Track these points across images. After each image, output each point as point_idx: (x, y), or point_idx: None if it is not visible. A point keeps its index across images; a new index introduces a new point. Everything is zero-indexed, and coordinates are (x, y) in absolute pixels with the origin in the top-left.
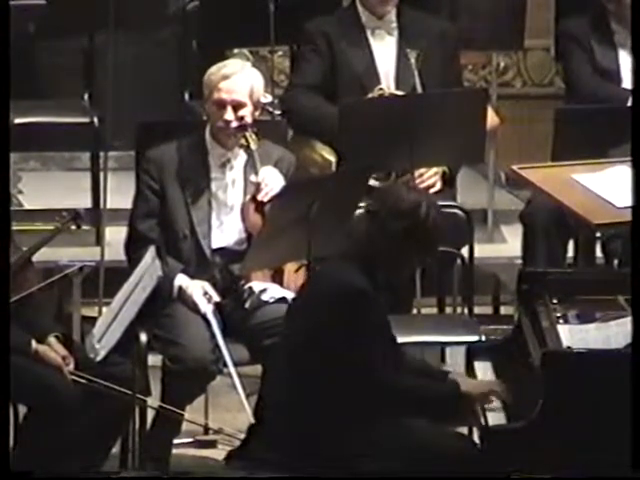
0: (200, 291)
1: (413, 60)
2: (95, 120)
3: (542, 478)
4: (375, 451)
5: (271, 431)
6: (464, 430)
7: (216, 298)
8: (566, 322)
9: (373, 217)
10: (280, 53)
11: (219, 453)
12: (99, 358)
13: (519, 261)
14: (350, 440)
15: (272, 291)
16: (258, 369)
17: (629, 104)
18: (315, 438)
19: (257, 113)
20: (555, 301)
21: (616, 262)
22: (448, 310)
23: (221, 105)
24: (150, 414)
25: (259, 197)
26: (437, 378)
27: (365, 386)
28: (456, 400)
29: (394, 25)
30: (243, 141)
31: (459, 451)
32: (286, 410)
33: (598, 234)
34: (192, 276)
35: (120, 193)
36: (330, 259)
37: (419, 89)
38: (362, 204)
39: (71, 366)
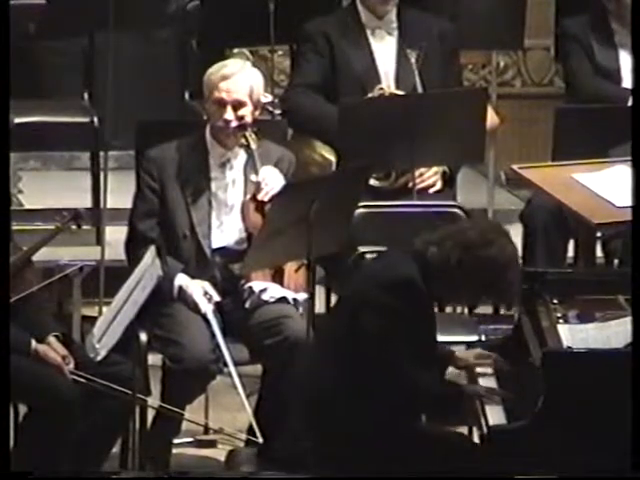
0: (200, 291)
1: (413, 60)
2: (95, 120)
3: (542, 478)
4: (374, 451)
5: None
6: (464, 430)
7: (216, 298)
8: (566, 322)
9: (462, 247)
10: (280, 53)
11: (219, 453)
12: (99, 358)
13: (519, 261)
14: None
15: (272, 291)
16: (258, 369)
17: (629, 104)
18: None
19: (257, 113)
20: (555, 301)
21: (616, 262)
22: (448, 309)
23: (221, 105)
24: (150, 414)
25: (259, 197)
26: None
27: (394, 383)
28: (460, 402)
29: (394, 25)
30: (243, 141)
31: (459, 451)
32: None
33: (598, 234)
34: (192, 276)
35: (120, 193)
36: (398, 251)
37: (419, 89)
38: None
39: (71, 366)
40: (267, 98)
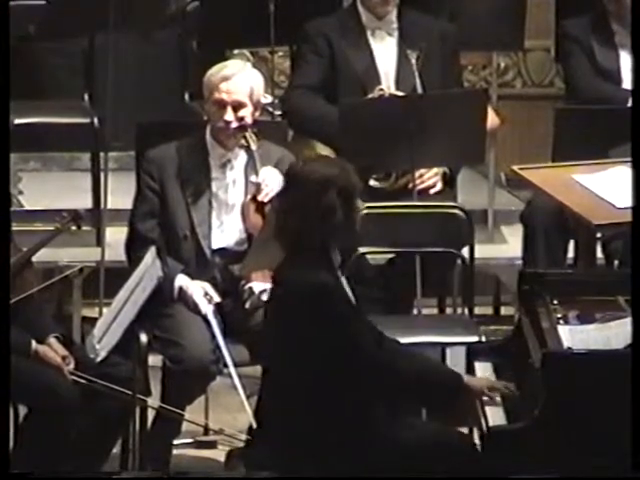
0: (200, 292)
1: (413, 61)
2: (95, 120)
3: (542, 478)
4: (374, 451)
5: (270, 435)
6: (464, 430)
7: (216, 299)
8: (566, 323)
9: (301, 205)
10: (280, 54)
11: (219, 454)
12: (99, 358)
13: (519, 262)
14: (349, 439)
15: None
16: (258, 370)
17: (629, 104)
18: (314, 438)
19: (257, 113)
20: (555, 302)
21: (616, 263)
22: (448, 311)
23: (221, 105)
24: (150, 414)
25: (259, 197)
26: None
27: (359, 370)
28: (458, 390)
29: (394, 26)
30: (243, 141)
31: (459, 451)
32: (282, 411)
33: (598, 234)
34: (192, 276)
35: (120, 193)
36: (287, 262)
37: (419, 90)
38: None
39: (71, 366)
40: (267, 99)
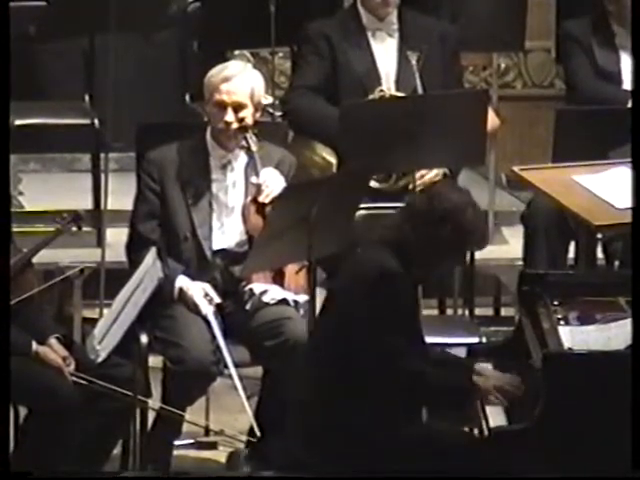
0: (201, 293)
1: (414, 62)
2: (96, 121)
3: (543, 478)
4: (375, 451)
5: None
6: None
7: (217, 300)
8: (567, 323)
9: (418, 216)
10: (281, 55)
11: (220, 455)
12: (100, 359)
13: (520, 262)
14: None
15: (273, 292)
16: (259, 370)
17: (629, 105)
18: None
19: (258, 115)
20: (556, 302)
21: (617, 263)
22: (449, 311)
23: (222, 107)
24: (151, 415)
25: (260, 199)
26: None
27: (391, 372)
28: (469, 393)
29: (395, 27)
30: (244, 143)
31: (459, 451)
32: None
33: (599, 235)
34: (193, 278)
35: (121, 194)
36: (371, 245)
37: (420, 91)
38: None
39: (72, 367)
40: (268, 100)
